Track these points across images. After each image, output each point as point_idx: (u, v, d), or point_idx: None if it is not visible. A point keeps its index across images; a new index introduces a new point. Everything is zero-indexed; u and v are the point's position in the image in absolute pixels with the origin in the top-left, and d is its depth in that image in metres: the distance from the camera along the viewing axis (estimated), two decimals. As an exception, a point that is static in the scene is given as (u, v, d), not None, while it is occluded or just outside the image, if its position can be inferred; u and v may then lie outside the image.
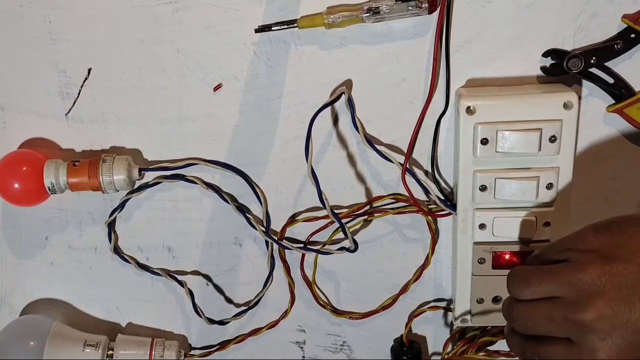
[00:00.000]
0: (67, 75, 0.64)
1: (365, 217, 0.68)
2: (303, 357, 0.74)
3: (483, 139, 0.61)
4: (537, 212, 0.63)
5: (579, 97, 0.62)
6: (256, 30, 0.60)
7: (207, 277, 0.72)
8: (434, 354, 0.73)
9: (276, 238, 0.69)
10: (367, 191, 0.67)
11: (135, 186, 0.67)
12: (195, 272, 0.71)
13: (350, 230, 0.67)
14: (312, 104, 0.64)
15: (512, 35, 0.61)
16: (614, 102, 0.62)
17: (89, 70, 0.64)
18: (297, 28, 0.60)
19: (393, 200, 0.67)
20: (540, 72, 0.62)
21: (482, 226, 0.64)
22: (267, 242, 0.69)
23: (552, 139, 0.60)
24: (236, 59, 0.63)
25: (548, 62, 0.62)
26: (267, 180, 0.67)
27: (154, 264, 0.71)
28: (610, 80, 0.61)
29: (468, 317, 0.68)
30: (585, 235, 0.51)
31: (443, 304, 0.71)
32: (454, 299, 0.68)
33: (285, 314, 0.72)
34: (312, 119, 0.63)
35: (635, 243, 0.49)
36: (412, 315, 0.71)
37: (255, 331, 0.73)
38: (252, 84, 0.64)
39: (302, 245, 0.69)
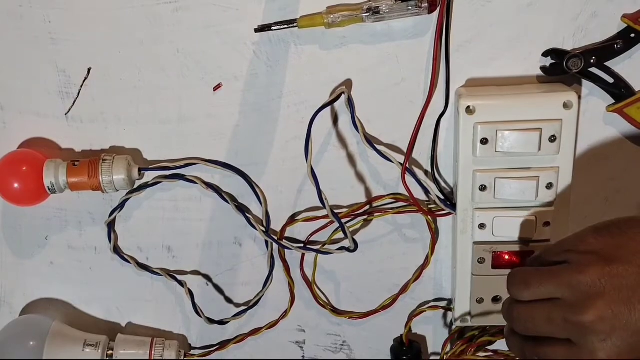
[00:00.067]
0: (67, 75, 0.64)
1: (365, 217, 0.68)
2: (303, 357, 0.74)
3: (483, 138, 0.61)
4: (537, 212, 0.63)
5: (579, 97, 0.62)
6: (256, 30, 0.60)
7: (207, 277, 0.72)
8: (434, 353, 0.73)
9: (276, 238, 0.69)
10: (367, 191, 0.67)
11: (135, 186, 0.67)
12: (195, 272, 0.71)
13: (350, 230, 0.67)
14: (312, 103, 0.64)
15: (512, 35, 0.61)
16: (613, 101, 0.62)
17: (89, 70, 0.64)
18: (297, 28, 0.60)
19: (393, 200, 0.67)
20: (540, 72, 0.62)
21: (482, 226, 0.64)
22: (267, 242, 0.69)
23: (552, 139, 0.60)
24: (236, 58, 0.63)
25: (548, 62, 0.61)
26: (267, 180, 0.67)
27: (153, 263, 0.71)
28: (610, 80, 0.61)
29: (468, 317, 0.68)
30: (586, 237, 0.51)
31: (443, 303, 0.71)
32: (454, 299, 0.68)
33: (285, 314, 0.72)
34: (312, 119, 0.62)
35: (635, 245, 0.49)
36: (412, 315, 0.71)
37: (255, 331, 0.73)
38: (252, 84, 0.64)
39: (302, 245, 0.69)
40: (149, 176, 0.67)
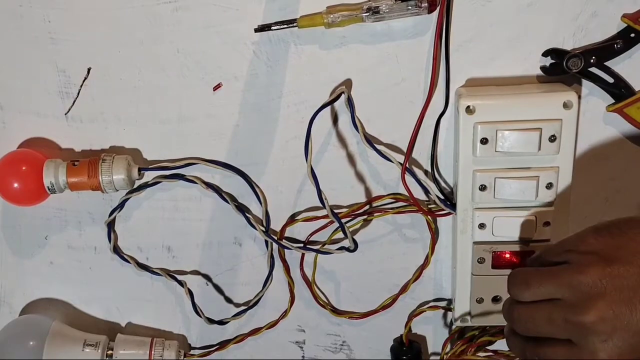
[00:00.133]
0: (66, 75, 0.64)
1: (365, 216, 0.68)
2: (303, 357, 0.74)
3: (483, 138, 0.61)
4: (537, 212, 0.63)
5: (579, 97, 0.62)
6: (256, 30, 0.60)
7: (207, 277, 0.72)
8: (434, 353, 0.73)
9: (276, 238, 0.69)
10: (367, 191, 0.67)
11: (135, 186, 0.67)
12: (195, 272, 0.71)
13: (350, 230, 0.67)
14: (311, 103, 0.64)
15: (512, 34, 0.61)
16: (613, 101, 0.62)
17: (89, 70, 0.64)
18: (296, 27, 0.60)
19: (393, 200, 0.67)
20: (540, 72, 0.62)
21: (481, 226, 0.64)
22: (266, 241, 0.69)
23: (552, 139, 0.60)
24: (236, 58, 0.63)
25: (548, 61, 0.61)
26: (267, 180, 0.67)
27: (153, 263, 0.71)
28: (610, 80, 0.61)
29: (468, 317, 0.68)
30: (586, 237, 0.51)
31: (443, 303, 0.71)
32: (454, 299, 0.68)
33: (285, 314, 0.72)
34: (312, 119, 0.62)
35: (635, 245, 0.49)
36: (412, 315, 0.71)
37: (255, 331, 0.73)
38: (251, 84, 0.64)
39: (301, 245, 0.69)
40: (149, 176, 0.67)
